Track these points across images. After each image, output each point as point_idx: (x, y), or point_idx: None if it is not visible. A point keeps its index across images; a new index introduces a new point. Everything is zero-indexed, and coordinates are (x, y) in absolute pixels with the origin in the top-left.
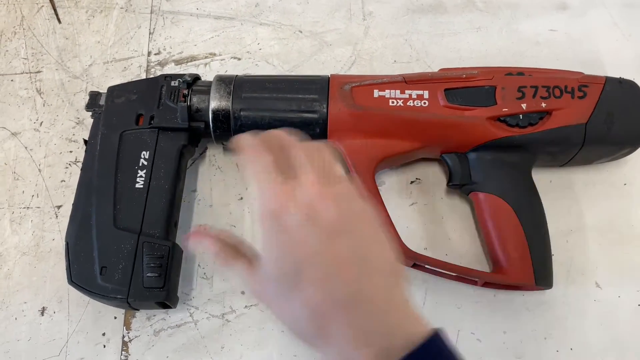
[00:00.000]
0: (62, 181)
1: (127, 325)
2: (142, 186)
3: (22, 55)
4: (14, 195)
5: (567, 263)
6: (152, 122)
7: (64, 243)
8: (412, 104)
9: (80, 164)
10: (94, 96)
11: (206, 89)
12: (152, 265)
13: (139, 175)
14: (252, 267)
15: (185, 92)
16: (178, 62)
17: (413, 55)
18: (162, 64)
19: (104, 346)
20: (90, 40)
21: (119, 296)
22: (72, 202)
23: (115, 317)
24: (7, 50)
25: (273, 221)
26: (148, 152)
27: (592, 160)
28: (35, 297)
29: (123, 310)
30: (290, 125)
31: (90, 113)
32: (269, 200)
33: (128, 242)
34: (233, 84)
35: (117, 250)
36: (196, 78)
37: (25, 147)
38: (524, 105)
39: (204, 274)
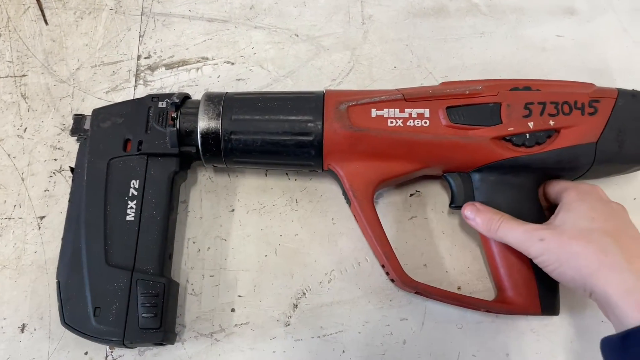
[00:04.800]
0: (45, 190)
1: None
2: (133, 218)
3: (7, 58)
4: None
5: None
6: (141, 147)
7: (55, 281)
8: (412, 124)
9: (65, 173)
10: (79, 120)
11: (195, 110)
12: (147, 304)
13: (129, 206)
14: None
15: (174, 114)
16: (169, 67)
17: (414, 61)
18: (152, 68)
19: None
20: (78, 42)
21: (114, 338)
22: (56, 212)
23: None
24: None
25: (596, 205)
26: (138, 181)
27: (601, 177)
28: (15, 313)
29: None
30: (284, 148)
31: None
32: (598, 198)
33: (121, 279)
34: (222, 104)
35: (110, 289)
36: (185, 97)
37: (8, 155)
38: (530, 124)
39: (193, 290)
